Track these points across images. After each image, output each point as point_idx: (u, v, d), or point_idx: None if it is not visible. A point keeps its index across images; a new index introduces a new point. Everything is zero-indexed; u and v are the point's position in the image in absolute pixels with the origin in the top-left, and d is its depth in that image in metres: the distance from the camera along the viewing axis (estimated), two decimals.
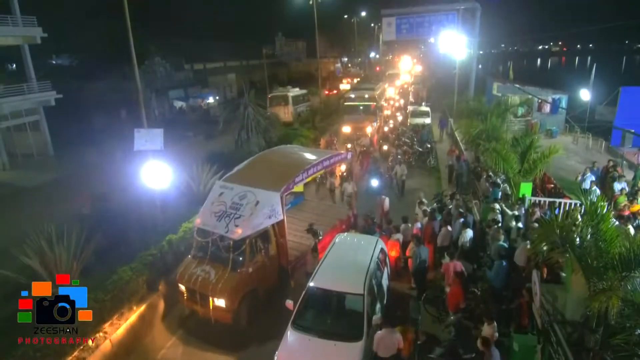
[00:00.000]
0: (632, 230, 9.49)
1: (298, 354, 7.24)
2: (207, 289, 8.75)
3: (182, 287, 9.26)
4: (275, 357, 7.18)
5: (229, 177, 10.71)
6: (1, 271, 9.39)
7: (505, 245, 9.76)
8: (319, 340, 7.35)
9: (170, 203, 13.04)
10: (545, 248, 7.30)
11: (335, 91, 49.53)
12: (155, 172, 11.90)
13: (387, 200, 13.49)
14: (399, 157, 18.72)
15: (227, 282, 8.74)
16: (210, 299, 8.71)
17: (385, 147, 21.28)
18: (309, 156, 11.99)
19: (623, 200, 11.93)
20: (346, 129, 25.79)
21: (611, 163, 15.30)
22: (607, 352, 6.25)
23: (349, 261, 9.01)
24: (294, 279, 10.09)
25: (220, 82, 51.09)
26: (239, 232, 8.84)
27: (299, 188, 12.42)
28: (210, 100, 43.90)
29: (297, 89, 34.81)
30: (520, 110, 26.44)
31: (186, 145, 24.96)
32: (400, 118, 30.76)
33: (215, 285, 8.72)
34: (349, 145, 21.87)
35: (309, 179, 11.17)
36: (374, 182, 16.61)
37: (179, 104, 41.98)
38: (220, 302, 8.68)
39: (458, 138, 20.81)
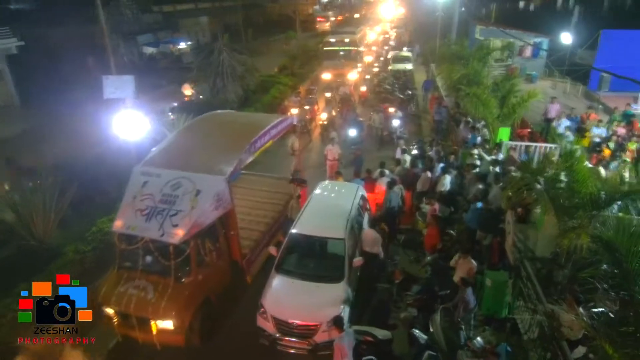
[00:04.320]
0: (602, 172, 9.83)
1: (282, 296, 7.45)
2: (146, 311, 6.87)
3: (110, 311, 7.14)
4: (260, 301, 7.39)
5: (151, 159, 8.19)
6: None
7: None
8: (302, 283, 7.59)
9: (146, 154, 12.70)
10: (520, 189, 7.50)
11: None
12: (128, 122, 11.46)
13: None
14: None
15: (172, 298, 6.94)
16: (152, 322, 6.90)
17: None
18: (252, 125, 9.74)
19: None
20: (326, 76, 25.11)
21: (589, 112, 15.17)
22: (574, 285, 6.67)
23: (330, 207, 9.13)
24: (250, 274, 8.60)
25: (192, 26, 48.24)
26: (179, 234, 6.88)
27: None
28: (182, 45, 41.66)
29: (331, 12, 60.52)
30: (506, 55, 26.05)
31: (159, 94, 23.98)
32: (376, 70, 29.89)
33: (156, 304, 6.86)
34: (328, 94, 21.38)
35: (257, 153, 9.01)
36: (352, 132, 16.32)
37: (149, 50, 39.74)
38: (167, 324, 6.90)
39: (439, 84, 20.60)
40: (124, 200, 7.58)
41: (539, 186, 7.20)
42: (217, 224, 7.79)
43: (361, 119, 17.44)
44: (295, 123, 11.05)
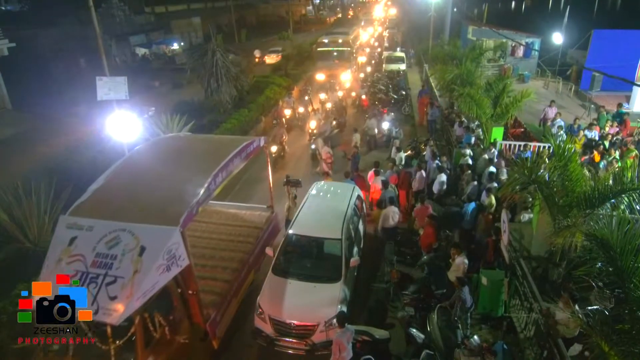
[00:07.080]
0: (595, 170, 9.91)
1: (280, 297, 7.43)
2: None
3: None
4: (257, 302, 7.39)
5: (80, 206, 6.24)
6: None
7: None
8: (299, 283, 7.59)
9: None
10: (515, 189, 7.57)
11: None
12: (122, 123, 11.40)
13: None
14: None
15: None
16: None
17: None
18: (212, 154, 7.65)
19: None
20: (320, 77, 25.14)
21: (595, 122, 14.39)
22: (569, 284, 6.75)
23: (327, 208, 9.16)
24: (217, 337, 6.89)
25: (185, 27, 48.14)
26: (118, 310, 5.08)
27: None
28: (175, 46, 41.63)
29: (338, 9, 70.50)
30: (498, 55, 26.26)
31: (153, 95, 23.90)
32: (362, 76, 29.61)
33: None
34: (322, 96, 21.35)
35: (218, 190, 7.07)
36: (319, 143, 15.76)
37: (141, 51, 39.63)
38: None
39: (432, 84, 20.69)
40: (45, 263, 5.69)
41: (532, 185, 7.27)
42: (171, 284, 6.04)
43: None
44: (262, 144, 8.95)
